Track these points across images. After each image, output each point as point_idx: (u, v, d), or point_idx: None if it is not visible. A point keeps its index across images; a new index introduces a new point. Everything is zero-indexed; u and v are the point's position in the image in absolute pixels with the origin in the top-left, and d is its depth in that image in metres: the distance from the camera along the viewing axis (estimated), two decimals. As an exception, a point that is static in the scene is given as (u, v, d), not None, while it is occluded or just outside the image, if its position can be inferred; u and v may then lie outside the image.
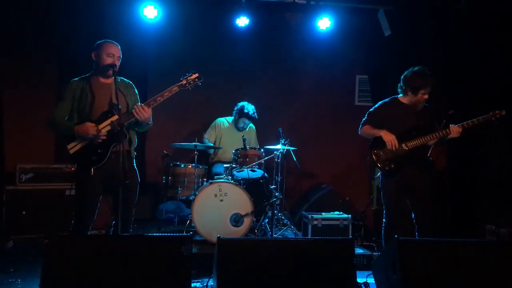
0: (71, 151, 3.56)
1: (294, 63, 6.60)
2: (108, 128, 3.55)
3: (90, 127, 3.49)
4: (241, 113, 5.86)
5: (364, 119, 4.36)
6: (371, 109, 4.37)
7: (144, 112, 3.56)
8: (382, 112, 4.28)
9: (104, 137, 3.53)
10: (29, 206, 5.15)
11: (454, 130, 4.05)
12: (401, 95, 4.26)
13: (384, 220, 4.27)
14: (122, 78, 3.85)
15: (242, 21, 5.88)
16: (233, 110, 5.99)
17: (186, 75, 3.75)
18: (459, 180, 5.78)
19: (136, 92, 3.90)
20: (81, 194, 3.63)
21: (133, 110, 3.55)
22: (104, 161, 3.55)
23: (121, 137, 3.41)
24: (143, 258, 2.93)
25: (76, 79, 3.70)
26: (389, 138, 4.10)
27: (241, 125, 5.95)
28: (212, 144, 5.89)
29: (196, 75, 3.74)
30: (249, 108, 5.85)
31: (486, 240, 4.93)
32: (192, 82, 3.72)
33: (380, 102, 4.36)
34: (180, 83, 3.70)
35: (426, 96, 4.12)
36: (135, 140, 3.84)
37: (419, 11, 5.74)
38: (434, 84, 4.10)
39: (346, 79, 6.84)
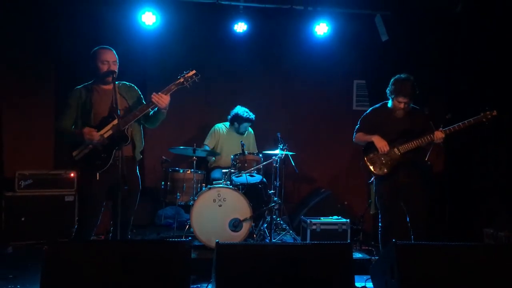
0: (76, 158, 3.60)
1: (292, 68, 6.61)
2: (110, 132, 3.58)
3: (93, 132, 3.52)
4: (239, 119, 5.87)
5: (357, 126, 4.41)
6: (362, 116, 4.43)
7: (163, 99, 3.58)
8: (373, 118, 4.33)
9: (107, 141, 3.55)
10: (28, 212, 5.14)
11: (437, 136, 4.05)
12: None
13: (380, 224, 4.29)
14: (124, 82, 3.87)
15: (240, 27, 5.92)
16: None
17: (184, 72, 3.72)
18: (457, 183, 5.79)
19: (139, 92, 3.91)
20: (86, 199, 3.66)
21: (152, 99, 3.56)
22: (108, 165, 3.56)
23: (121, 142, 3.44)
24: (142, 263, 2.94)
25: (79, 87, 3.73)
26: (380, 144, 4.15)
27: (242, 129, 5.97)
28: (212, 150, 5.89)
29: (194, 71, 3.71)
30: (242, 111, 5.87)
31: (485, 244, 4.93)
32: (189, 79, 3.69)
33: (371, 108, 4.42)
34: (178, 81, 3.68)
35: (401, 105, 4.12)
36: (142, 142, 3.86)
37: (416, 16, 5.76)
38: (410, 95, 4.08)
39: (343, 84, 6.86)
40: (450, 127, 4.07)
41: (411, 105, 4.23)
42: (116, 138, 3.56)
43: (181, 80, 3.68)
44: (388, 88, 4.22)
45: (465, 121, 4.05)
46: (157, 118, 3.80)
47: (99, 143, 3.54)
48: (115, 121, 3.57)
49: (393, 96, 4.16)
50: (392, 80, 4.20)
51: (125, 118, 3.60)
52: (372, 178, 4.34)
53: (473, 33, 5.46)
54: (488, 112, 4.05)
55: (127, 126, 3.60)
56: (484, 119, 4.05)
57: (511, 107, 4.82)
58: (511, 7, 4.94)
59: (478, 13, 5.34)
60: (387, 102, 4.31)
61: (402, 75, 4.17)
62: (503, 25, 5.12)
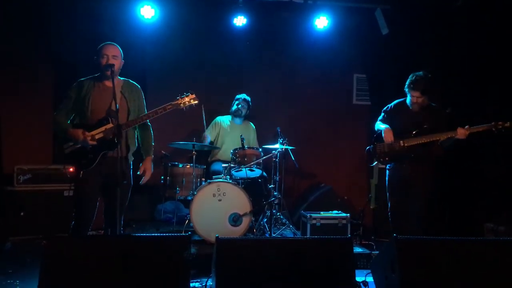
0: (66, 151, 3.60)
1: (292, 62, 6.59)
2: (101, 135, 3.56)
3: (79, 133, 3.52)
4: (237, 98, 5.95)
5: (379, 117, 4.73)
6: (384, 108, 4.72)
7: (150, 173, 3.81)
8: (391, 111, 4.64)
9: (95, 143, 3.53)
10: (27, 207, 5.12)
11: (461, 132, 4.19)
12: None
13: (389, 208, 4.60)
14: (129, 80, 3.84)
15: (240, 21, 5.89)
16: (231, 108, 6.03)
17: (184, 94, 3.76)
18: (458, 178, 5.78)
19: (143, 97, 3.89)
20: (78, 195, 3.65)
21: (143, 179, 3.78)
22: (93, 166, 3.56)
23: (119, 140, 3.41)
24: (141, 258, 2.93)
25: (84, 79, 3.72)
26: (386, 135, 4.44)
27: (233, 108, 5.95)
28: (211, 145, 5.87)
29: (193, 96, 3.76)
30: (242, 94, 5.95)
31: (485, 238, 4.93)
32: (187, 103, 3.74)
33: (394, 101, 4.66)
34: (176, 102, 3.73)
35: (414, 100, 4.36)
36: (135, 145, 3.85)
37: (416, 9, 5.74)
38: (423, 90, 4.29)
39: (344, 78, 6.85)
40: (473, 127, 4.22)
41: (432, 104, 4.45)
42: (106, 142, 3.55)
43: (179, 101, 3.73)
44: (406, 84, 4.43)
45: (476, 127, 4.22)
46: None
47: (85, 144, 3.52)
48: (109, 126, 3.56)
49: (407, 91, 4.40)
50: (409, 76, 4.41)
51: (126, 123, 3.61)
52: (374, 163, 4.68)
53: (473, 28, 5.42)
54: (500, 123, 4.16)
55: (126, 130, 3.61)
56: (493, 128, 4.17)
57: (511, 102, 4.83)
58: (511, 2, 4.92)
59: (478, 7, 5.31)
60: (407, 98, 4.51)
61: (420, 72, 4.36)
62: (503, 20, 5.10)
